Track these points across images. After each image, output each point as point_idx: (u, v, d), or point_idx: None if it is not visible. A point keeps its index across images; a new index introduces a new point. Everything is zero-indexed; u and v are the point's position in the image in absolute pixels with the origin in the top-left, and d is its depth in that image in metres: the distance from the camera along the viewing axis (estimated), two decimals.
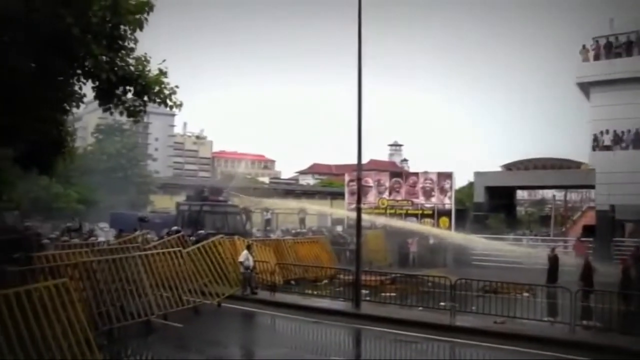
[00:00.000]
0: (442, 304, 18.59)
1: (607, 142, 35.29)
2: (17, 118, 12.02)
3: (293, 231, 37.41)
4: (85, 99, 13.90)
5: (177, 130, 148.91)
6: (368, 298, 20.07)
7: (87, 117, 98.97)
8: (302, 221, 42.54)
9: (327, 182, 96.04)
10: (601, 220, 34.30)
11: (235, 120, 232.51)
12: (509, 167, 44.43)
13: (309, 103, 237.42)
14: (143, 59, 12.16)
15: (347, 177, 41.40)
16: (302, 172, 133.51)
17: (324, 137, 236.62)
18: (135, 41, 11.89)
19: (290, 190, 69.42)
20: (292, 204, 46.15)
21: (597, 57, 36.12)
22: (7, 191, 11.27)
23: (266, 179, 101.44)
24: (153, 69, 12.28)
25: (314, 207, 46.63)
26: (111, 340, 14.87)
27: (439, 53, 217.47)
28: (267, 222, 41.20)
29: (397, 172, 52.43)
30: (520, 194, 64.95)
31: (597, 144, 35.61)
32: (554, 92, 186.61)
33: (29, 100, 11.93)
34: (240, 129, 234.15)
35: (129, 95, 12.34)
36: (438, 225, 35.69)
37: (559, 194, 66.88)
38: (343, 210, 40.92)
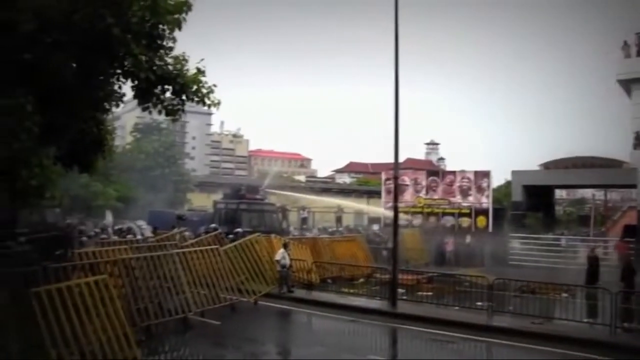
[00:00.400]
0: (479, 303, 18.41)
1: None
2: (60, 117, 12.24)
3: (330, 230, 37.39)
4: (124, 98, 14.13)
5: (214, 129, 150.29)
6: (404, 297, 19.96)
7: (126, 116, 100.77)
8: (338, 220, 42.53)
9: (364, 181, 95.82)
10: None
11: (272, 119, 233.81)
12: (547, 165, 43.77)
13: (345, 102, 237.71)
14: (181, 58, 12.26)
15: (383, 176, 41.21)
16: (338, 171, 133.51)
17: (361, 136, 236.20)
18: (174, 40, 12.00)
19: (326, 188, 69.49)
20: (329, 202, 46.13)
21: (639, 53, 35.21)
22: (50, 189, 11.48)
23: (302, 178, 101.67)
24: (191, 67, 12.38)
25: (351, 205, 46.49)
26: (149, 336, 15.04)
27: (476, 51, 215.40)
28: (304, 220, 41.30)
29: (434, 171, 52.05)
30: (559, 193, 64.03)
31: (639, 142, 34.74)
32: (595, 89, 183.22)
33: (71, 100, 12.15)
34: (276, 127, 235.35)
35: (168, 94, 12.44)
36: (476, 225, 35.29)
37: (599, 194, 65.70)
38: (379, 209, 40.81)
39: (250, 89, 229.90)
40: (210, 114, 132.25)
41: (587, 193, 74.81)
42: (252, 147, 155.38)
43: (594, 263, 19.72)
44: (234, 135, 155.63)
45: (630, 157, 36.36)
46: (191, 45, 14.28)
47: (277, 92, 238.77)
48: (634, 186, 36.70)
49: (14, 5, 9.96)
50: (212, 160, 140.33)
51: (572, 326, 16.28)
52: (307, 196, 45.74)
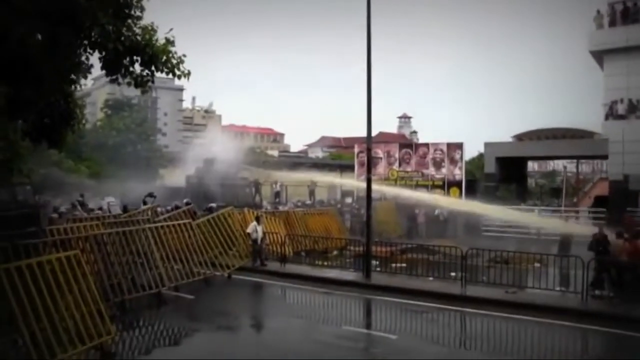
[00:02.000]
0: (452, 274, 18.60)
1: (621, 111, 34.78)
2: (27, 90, 11.93)
3: (299, 203, 37.37)
4: (93, 74, 13.82)
5: (186, 104, 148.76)
6: (378, 269, 20.10)
7: (96, 92, 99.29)
8: (312, 193, 42.48)
9: (336, 155, 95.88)
10: (614, 190, 34.03)
11: (244, 94, 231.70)
12: (520, 137, 44.10)
13: (318, 76, 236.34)
14: (150, 28, 11.95)
15: (356, 149, 41.31)
16: (311, 145, 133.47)
17: (334, 110, 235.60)
18: (142, 9, 11.70)
19: (299, 163, 69.28)
20: (302, 176, 46.03)
21: (612, 24, 35.34)
22: (18, 165, 11.19)
23: (275, 152, 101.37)
24: (160, 38, 12.10)
25: (324, 179, 46.42)
26: (123, 311, 14.99)
27: (447, 20, 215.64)
28: (277, 194, 41.16)
29: (407, 143, 52.15)
30: (531, 166, 64.62)
31: (611, 113, 35.13)
32: (567, 60, 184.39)
33: (36, 72, 11.83)
34: (248, 102, 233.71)
35: (136, 66, 12.17)
36: (448, 196, 35.47)
37: (570, 165, 66.51)
38: (352, 181, 40.87)
39: (220, 62, 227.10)
40: (181, 89, 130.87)
41: (559, 165, 75.55)
42: (225, 122, 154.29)
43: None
44: (206, 111, 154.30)
45: (602, 128, 36.80)
46: (160, 15, 13.98)
47: (248, 65, 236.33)
48: (605, 157, 37.21)
49: None
50: (184, 136, 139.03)
51: (545, 294, 16.54)
52: (279, 172, 45.60)
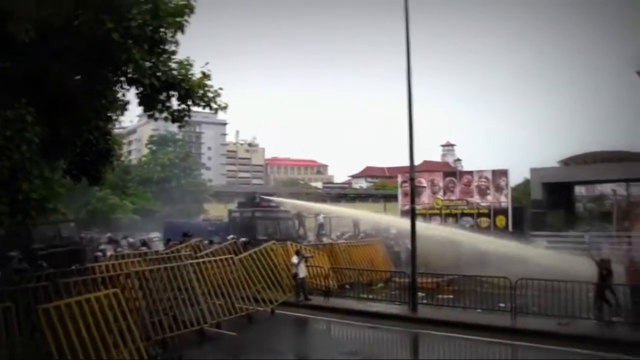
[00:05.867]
0: (501, 305, 17.88)
1: None
2: (63, 128, 12.00)
3: (345, 235, 36.90)
4: (138, 111, 13.92)
5: (230, 138, 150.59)
6: (425, 301, 19.50)
7: (142, 129, 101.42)
8: (356, 225, 41.99)
9: (381, 185, 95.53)
10: None
11: (287, 127, 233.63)
12: (566, 162, 43.02)
13: (360, 107, 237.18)
14: (185, 62, 11.96)
15: (400, 179, 40.68)
16: (355, 176, 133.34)
17: (377, 140, 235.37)
18: (177, 44, 11.71)
19: (343, 194, 69.09)
20: (344, 210, 45.58)
21: None
22: (54, 204, 11.17)
23: (319, 184, 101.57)
24: (196, 72, 12.08)
25: (367, 216, 45.73)
26: (164, 349, 14.73)
27: (490, 48, 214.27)
28: (321, 226, 40.74)
29: (451, 172, 51.36)
30: (578, 190, 63.03)
31: None
32: (614, 81, 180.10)
33: (74, 110, 11.90)
34: (292, 135, 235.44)
35: (173, 101, 12.16)
36: (495, 224, 34.53)
37: (620, 189, 64.74)
38: (394, 217, 40.06)
39: (261, 96, 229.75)
40: (224, 124, 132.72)
41: (607, 189, 73.53)
42: (268, 155, 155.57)
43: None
44: (250, 145, 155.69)
45: None
46: (195, 49, 13.98)
47: (291, 98, 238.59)
48: None
49: (12, 15, 9.69)
50: (228, 170, 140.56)
51: (598, 325, 15.82)
52: (320, 205, 45.29)
